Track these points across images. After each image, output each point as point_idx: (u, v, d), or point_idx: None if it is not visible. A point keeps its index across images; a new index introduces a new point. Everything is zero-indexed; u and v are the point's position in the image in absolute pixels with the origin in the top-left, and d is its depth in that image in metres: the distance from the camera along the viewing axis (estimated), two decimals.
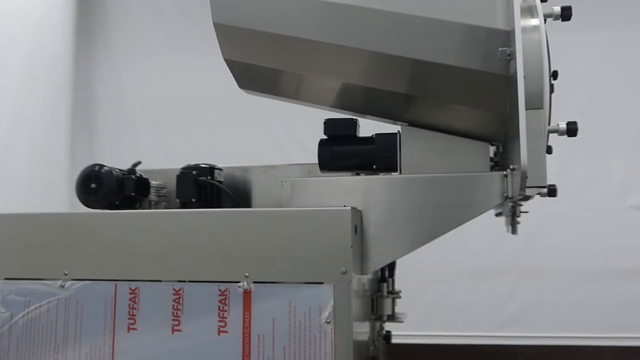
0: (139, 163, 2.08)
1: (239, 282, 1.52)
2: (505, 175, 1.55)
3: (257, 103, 5.11)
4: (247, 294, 1.51)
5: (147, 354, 1.55)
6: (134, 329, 1.58)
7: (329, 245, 1.48)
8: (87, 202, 1.94)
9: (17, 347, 1.65)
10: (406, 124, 1.79)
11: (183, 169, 2.04)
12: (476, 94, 1.63)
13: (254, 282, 1.51)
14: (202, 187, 2.02)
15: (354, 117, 1.86)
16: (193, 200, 1.98)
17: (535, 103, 1.44)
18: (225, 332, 1.52)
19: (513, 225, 1.81)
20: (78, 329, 1.61)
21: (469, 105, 1.64)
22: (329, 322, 1.45)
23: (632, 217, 4.33)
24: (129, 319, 1.59)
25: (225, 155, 5.77)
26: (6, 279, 1.69)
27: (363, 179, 1.71)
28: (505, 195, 1.55)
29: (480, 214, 1.64)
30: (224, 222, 1.56)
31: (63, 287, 1.64)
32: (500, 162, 1.72)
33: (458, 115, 1.69)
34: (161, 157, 5.41)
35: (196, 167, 2.05)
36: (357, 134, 1.85)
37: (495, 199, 1.61)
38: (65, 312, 1.63)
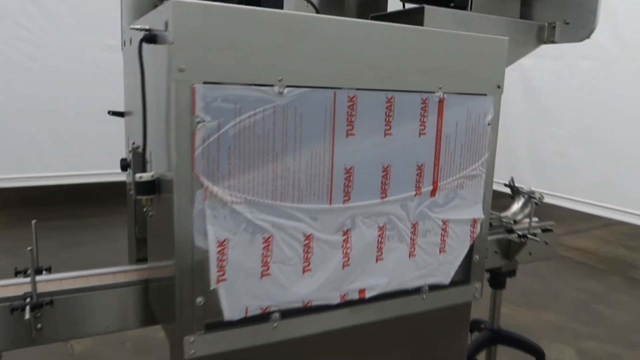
0: None
1: (434, 92, 1.70)
2: (554, 27, 2.15)
3: None
4: (441, 102, 1.71)
5: (364, 157, 1.58)
6: (352, 134, 1.57)
7: (491, 65, 1.80)
8: None
9: (228, 158, 1.39)
10: None
11: None
12: None
13: (445, 93, 1.72)
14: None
15: None
16: None
17: None
18: (424, 134, 1.70)
19: None
20: (298, 136, 1.47)
21: None
22: (490, 124, 1.84)
23: None
24: (347, 125, 1.55)
25: None
26: (206, 82, 1.34)
27: (472, 15, 2.01)
28: (551, 40, 2.16)
29: (529, 52, 2.21)
30: (428, 39, 1.65)
31: (281, 93, 1.43)
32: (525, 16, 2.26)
33: None
34: None
35: None
36: None
37: (535, 44, 2.20)
38: (283, 120, 1.45)
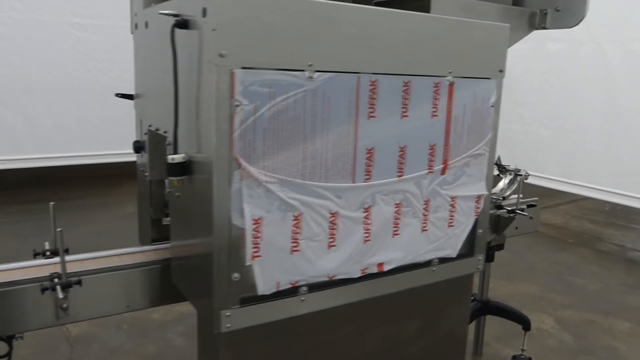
0: None
1: (445, 76, 1.81)
2: (545, 14, 2.29)
3: None
4: (451, 86, 1.81)
5: (383, 137, 1.68)
6: (373, 116, 1.66)
7: (494, 50, 1.91)
8: None
9: (263, 140, 1.46)
10: None
11: None
12: None
13: (454, 77, 1.83)
14: None
15: None
16: None
17: None
18: (436, 115, 1.80)
19: None
20: (325, 119, 1.55)
21: None
22: (493, 106, 1.96)
23: None
24: (369, 108, 1.64)
25: None
26: (244, 68, 1.40)
27: (471, 2, 2.12)
28: (542, 26, 2.30)
29: (521, 38, 2.34)
30: (441, 26, 1.74)
31: (312, 78, 1.51)
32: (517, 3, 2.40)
33: None
34: None
35: None
36: None
37: (527, 29, 2.34)
38: (313, 103, 1.53)
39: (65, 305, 1.72)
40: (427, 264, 1.89)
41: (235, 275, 1.49)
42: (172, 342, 3.11)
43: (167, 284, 1.87)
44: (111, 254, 1.91)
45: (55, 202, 1.87)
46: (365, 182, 1.67)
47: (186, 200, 1.64)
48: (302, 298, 1.62)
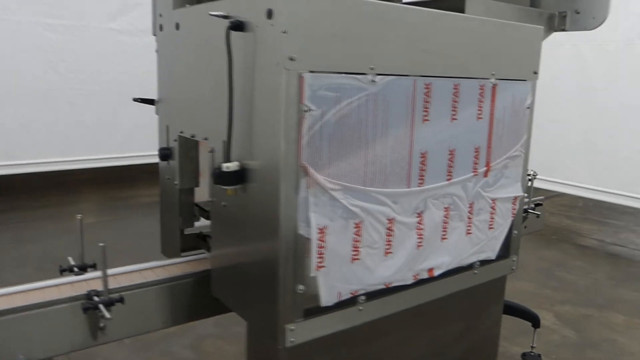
0: None
1: (489, 78, 1.81)
2: (564, 16, 2.33)
3: None
4: (494, 88, 1.82)
5: (435, 140, 1.66)
6: (427, 120, 1.63)
7: (529, 52, 1.94)
8: None
9: (329, 147, 1.41)
10: None
11: None
12: None
13: (497, 79, 1.83)
14: None
15: None
16: None
17: None
18: (481, 118, 1.80)
19: None
20: (385, 123, 1.52)
21: None
22: (529, 108, 1.98)
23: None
24: (424, 111, 1.62)
25: None
26: (312, 71, 1.35)
27: (497, 4, 2.14)
28: (562, 28, 2.34)
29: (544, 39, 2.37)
30: (485, 28, 1.73)
31: (374, 82, 1.47)
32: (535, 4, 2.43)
33: None
34: None
35: None
36: None
37: (546, 32, 2.37)
38: (374, 107, 1.49)
39: (102, 325, 1.63)
40: (470, 267, 1.89)
41: (300, 287, 1.45)
42: (179, 355, 3.01)
43: (205, 296, 1.80)
44: (143, 267, 1.83)
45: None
46: (419, 186, 1.65)
47: (237, 210, 1.58)
48: (360, 307, 1.59)
